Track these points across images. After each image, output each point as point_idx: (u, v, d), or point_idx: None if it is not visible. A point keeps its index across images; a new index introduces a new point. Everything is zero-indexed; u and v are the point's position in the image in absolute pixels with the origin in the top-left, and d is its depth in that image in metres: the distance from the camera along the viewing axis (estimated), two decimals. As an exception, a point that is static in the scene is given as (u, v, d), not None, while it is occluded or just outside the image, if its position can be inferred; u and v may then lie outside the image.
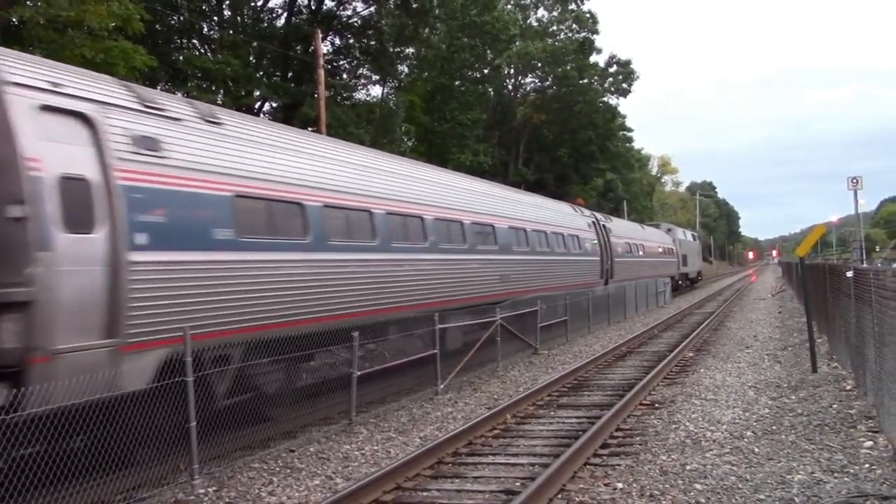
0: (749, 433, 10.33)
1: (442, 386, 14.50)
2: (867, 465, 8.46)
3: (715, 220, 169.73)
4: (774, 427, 10.60)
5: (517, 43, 54.12)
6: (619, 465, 9.10)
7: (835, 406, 11.65)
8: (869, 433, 9.79)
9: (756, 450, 9.42)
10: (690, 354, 19.42)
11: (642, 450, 9.75)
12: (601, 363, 18.21)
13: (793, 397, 12.68)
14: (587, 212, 32.04)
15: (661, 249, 46.25)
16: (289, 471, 9.44)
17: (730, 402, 12.62)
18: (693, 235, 70.44)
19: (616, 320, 29.77)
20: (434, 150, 45.61)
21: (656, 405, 12.81)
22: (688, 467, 8.77)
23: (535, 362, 18.92)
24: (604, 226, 32.07)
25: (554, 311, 22.44)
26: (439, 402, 13.73)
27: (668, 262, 48.39)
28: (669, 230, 56.25)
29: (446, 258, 16.61)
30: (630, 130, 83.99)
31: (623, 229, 37.27)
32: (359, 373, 11.87)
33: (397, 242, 14.56)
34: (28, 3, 19.26)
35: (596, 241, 29.79)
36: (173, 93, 26.62)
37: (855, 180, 45.66)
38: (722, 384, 14.41)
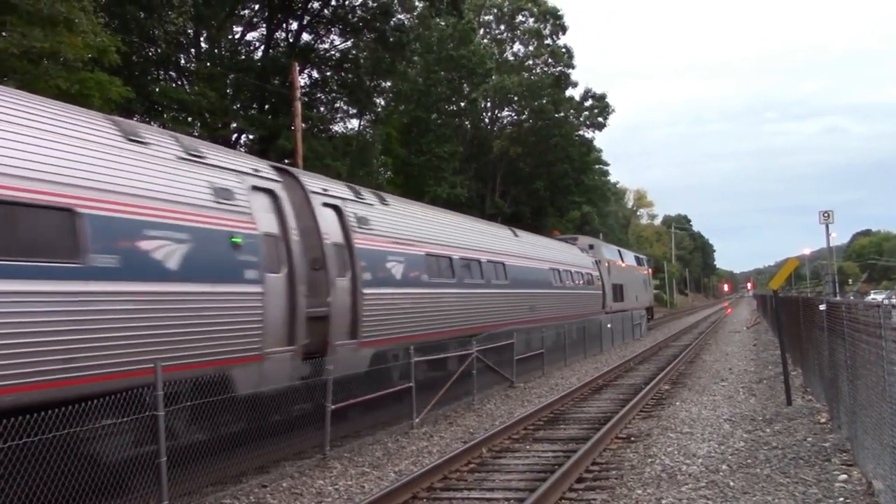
0: (724, 467, 10.31)
1: (417, 420, 14.39)
2: (841, 499, 8.46)
3: (690, 253, 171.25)
4: (750, 460, 10.59)
5: (493, 77, 54.63)
6: (594, 499, 9.04)
7: (809, 439, 11.68)
8: (843, 466, 9.81)
9: (731, 483, 9.40)
10: (666, 387, 19.43)
11: (618, 484, 9.69)
12: (577, 396, 18.17)
13: (767, 430, 12.70)
14: (263, 164, 12.91)
15: (565, 277, 29.56)
16: (261, 507, 9.29)
17: (705, 435, 12.61)
18: (637, 258, 53.32)
19: (592, 353, 29.79)
20: (411, 183, 45.72)
21: (632, 439, 12.78)
22: (663, 502, 8.73)
23: (511, 395, 18.84)
24: (335, 206, 14.00)
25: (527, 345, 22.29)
26: (414, 435, 13.61)
27: (581, 295, 32.06)
28: (592, 247, 39.84)
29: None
30: (606, 164, 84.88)
31: (427, 227, 18.07)
32: (333, 406, 11.76)
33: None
34: (2, 33, 19.15)
35: (259, 235, 11.33)
36: (149, 124, 26.54)
37: (826, 214, 46.22)
38: (697, 417, 14.41)
